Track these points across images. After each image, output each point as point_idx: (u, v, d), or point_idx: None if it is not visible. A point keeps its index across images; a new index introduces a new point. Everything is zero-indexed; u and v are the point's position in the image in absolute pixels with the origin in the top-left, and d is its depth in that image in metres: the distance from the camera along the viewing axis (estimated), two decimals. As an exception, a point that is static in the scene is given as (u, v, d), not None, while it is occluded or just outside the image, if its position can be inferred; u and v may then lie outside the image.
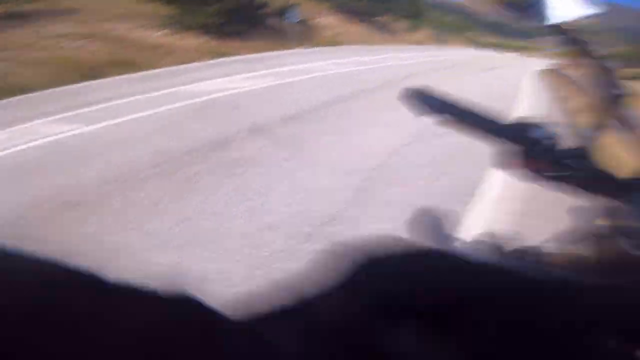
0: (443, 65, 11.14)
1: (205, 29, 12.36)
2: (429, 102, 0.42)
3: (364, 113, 4.03)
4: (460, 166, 2.51)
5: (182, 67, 8.05)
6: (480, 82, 7.52)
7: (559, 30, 0.42)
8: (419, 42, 30.28)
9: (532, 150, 0.36)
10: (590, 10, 0.41)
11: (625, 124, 0.39)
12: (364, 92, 5.40)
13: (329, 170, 2.56)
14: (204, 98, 4.61)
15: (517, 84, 8.30)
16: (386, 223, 1.80)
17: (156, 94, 5.01)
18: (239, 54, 10.94)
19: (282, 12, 16.63)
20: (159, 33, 11.84)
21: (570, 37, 0.43)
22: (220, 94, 4.86)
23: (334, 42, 17.05)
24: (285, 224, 1.89)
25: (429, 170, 2.54)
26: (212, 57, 9.83)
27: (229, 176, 2.47)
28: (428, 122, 0.45)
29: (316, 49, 14.15)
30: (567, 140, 0.37)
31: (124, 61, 8.19)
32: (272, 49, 12.29)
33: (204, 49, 10.96)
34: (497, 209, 2.06)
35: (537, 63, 24.53)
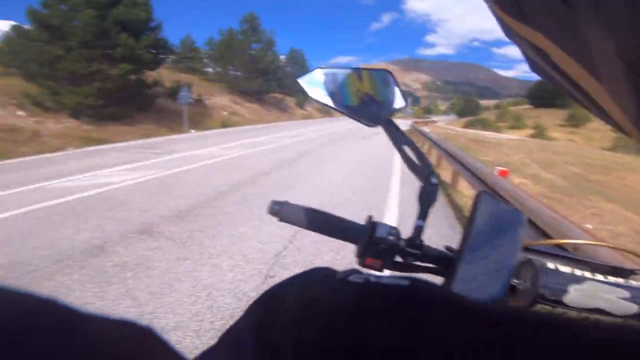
0: (331, 137, 12.46)
1: (79, 111, 11.13)
2: (290, 213, 0.48)
3: (258, 200, 4.12)
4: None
5: (48, 156, 6.98)
6: (362, 148, 8.81)
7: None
8: (307, 116, 33.85)
9: (377, 248, 0.42)
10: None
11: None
12: (260, 175, 5.60)
13: (232, 263, 2.49)
14: (76, 195, 4.00)
15: (388, 144, 10.02)
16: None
17: (13, 191, 4.17)
18: (122, 140, 10.11)
19: (173, 93, 16.36)
20: (19, 113, 10.18)
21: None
22: (98, 190, 4.29)
23: (228, 123, 17.46)
24: (191, 322, 1.83)
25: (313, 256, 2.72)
26: (86, 144, 8.82)
27: (113, 283, 2.15)
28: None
29: (209, 131, 14.19)
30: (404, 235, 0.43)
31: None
32: (162, 134, 11.83)
33: (76, 134, 9.78)
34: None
35: (402, 123, 29.74)
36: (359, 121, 0.49)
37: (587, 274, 0.38)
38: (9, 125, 9.00)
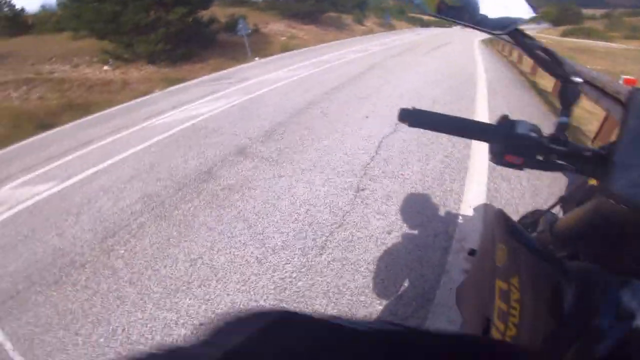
0: (396, 51, 11.38)
1: (154, 57, 11.90)
2: (418, 118, 0.49)
3: (336, 114, 4.11)
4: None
5: (140, 100, 7.75)
6: (431, 60, 7.88)
7: None
8: (368, 32, 30.81)
9: (517, 145, 0.42)
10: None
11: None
12: (332, 90, 5.52)
13: (323, 177, 2.63)
14: (176, 129, 4.48)
15: (471, 55, 8.81)
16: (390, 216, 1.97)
17: (125, 133, 4.85)
18: (196, 76, 10.67)
19: (231, 27, 16.41)
20: (105, 68, 11.32)
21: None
22: (192, 121, 4.73)
23: (288, 47, 16.98)
24: (296, 240, 1.99)
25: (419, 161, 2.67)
26: (169, 85, 9.51)
27: (225, 206, 2.45)
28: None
29: (273, 57, 14.03)
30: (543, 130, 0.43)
31: (77, 104, 7.80)
32: (229, 66, 12.07)
33: (158, 78, 10.55)
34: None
35: (480, 34, 25.65)
36: (485, 31, 0.47)
37: None
38: (102, 79, 10.12)
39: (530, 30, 44.77)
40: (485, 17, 0.48)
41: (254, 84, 7.18)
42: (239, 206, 2.41)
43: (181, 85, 9.21)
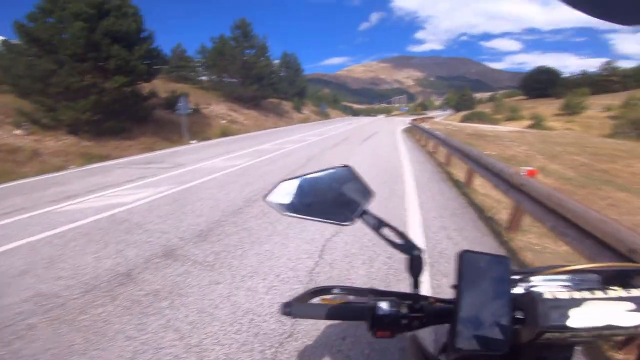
0: (333, 141, 12.35)
1: (77, 127, 10.95)
2: (302, 311, 0.54)
3: (277, 214, 4.03)
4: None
5: (50, 176, 6.83)
6: (368, 149, 8.73)
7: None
8: (306, 119, 33.67)
9: (383, 323, 0.47)
10: None
11: None
12: (272, 185, 5.49)
13: (266, 284, 2.41)
14: (90, 219, 3.88)
15: (397, 146, 9.95)
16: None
17: (23, 216, 4.05)
18: (123, 155, 9.99)
19: (171, 104, 16.25)
20: (17, 132, 10.01)
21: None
22: (111, 212, 4.17)
23: (227, 131, 17.34)
24: (241, 352, 1.71)
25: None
26: (89, 161, 8.68)
27: (150, 313, 2.07)
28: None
29: (211, 141, 14.07)
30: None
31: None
32: (163, 147, 11.70)
33: (77, 152, 9.63)
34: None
35: (400, 121, 29.80)
36: (333, 223, 0.54)
37: (587, 294, 0.39)
38: (8, 145, 8.86)
39: (439, 116, 53.68)
40: (333, 212, 0.55)
41: (189, 171, 6.81)
42: (168, 314, 2.07)
43: (104, 164, 8.47)
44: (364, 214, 0.54)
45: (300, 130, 19.11)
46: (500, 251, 2.98)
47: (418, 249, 0.50)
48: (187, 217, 3.95)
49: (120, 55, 12.03)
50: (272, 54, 31.81)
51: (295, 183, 0.56)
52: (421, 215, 3.86)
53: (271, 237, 3.27)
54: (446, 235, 3.29)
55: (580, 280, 0.48)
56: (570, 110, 37.03)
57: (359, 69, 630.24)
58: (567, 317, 0.38)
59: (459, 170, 6.22)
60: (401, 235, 0.51)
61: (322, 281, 2.43)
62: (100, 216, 4.03)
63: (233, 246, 3.09)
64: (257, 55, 27.32)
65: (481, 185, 5.31)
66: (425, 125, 16.14)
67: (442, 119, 42.38)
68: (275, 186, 0.55)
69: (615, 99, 36.03)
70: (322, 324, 1.91)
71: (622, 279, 0.48)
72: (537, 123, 31.97)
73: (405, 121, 27.87)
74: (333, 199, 0.54)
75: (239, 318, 2.02)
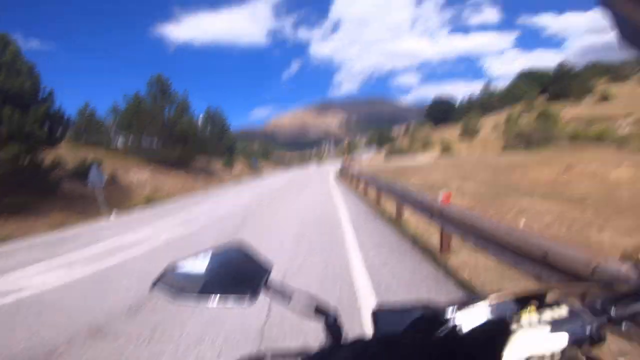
0: (268, 198, 12.17)
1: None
2: None
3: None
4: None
5: None
6: (304, 200, 8.78)
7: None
8: (238, 177, 33.01)
9: None
10: None
11: None
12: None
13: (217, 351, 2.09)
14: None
15: (330, 192, 10.19)
16: None
17: None
18: (28, 234, 8.49)
19: (80, 173, 14.38)
20: None
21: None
22: (16, 295, 3.46)
23: (153, 198, 16.03)
24: None
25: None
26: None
27: None
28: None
29: (134, 212, 12.74)
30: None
31: None
32: (77, 223, 10.26)
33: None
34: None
35: (331, 166, 30.98)
36: (233, 306, 0.50)
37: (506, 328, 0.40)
38: None
39: (365, 156, 57.27)
40: (231, 291, 0.51)
41: (109, 247, 6.05)
42: None
43: (5, 246, 7.05)
44: (266, 287, 0.50)
45: (233, 189, 18.60)
46: (438, 275, 3.10)
47: (333, 313, 0.47)
48: (115, 292, 3.43)
49: (14, 119, 10.45)
50: (195, 111, 30.82)
51: (186, 264, 0.51)
52: (362, 255, 3.88)
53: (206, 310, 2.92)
54: (389, 271, 3.33)
55: (499, 308, 0.47)
56: (469, 133, 43.08)
57: (286, 118, 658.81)
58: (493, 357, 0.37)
59: (390, 206, 6.56)
60: (313, 299, 0.48)
61: (274, 337, 2.21)
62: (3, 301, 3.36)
63: (171, 316, 2.72)
64: (178, 113, 26.06)
65: (411, 216, 5.64)
66: (354, 167, 17.13)
67: (368, 159, 45.73)
68: (163, 271, 0.50)
69: (499, 118, 42.94)
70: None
71: (535, 298, 0.48)
72: (446, 149, 36.40)
73: (335, 165, 29.26)
74: (230, 277, 0.50)
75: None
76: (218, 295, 0.49)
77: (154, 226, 8.08)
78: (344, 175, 15.86)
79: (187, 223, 8.17)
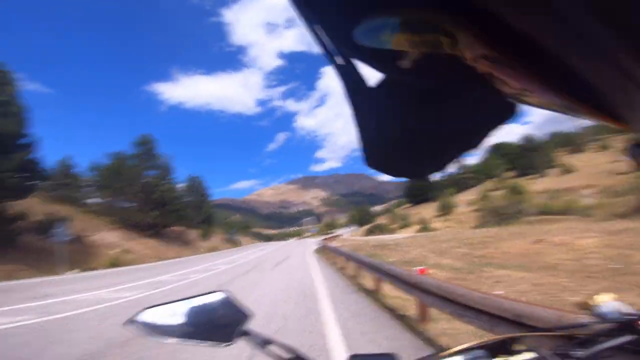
0: (242, 269, 11.68)
1: None
2: None
3: (163, 356, 3.29)
4: None
5: None
6: (281, 274, 8.40)
7: None
8: (213, 248, 31.56)
9: None
10: None
11: None
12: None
13: None
14: None
15: (308, 268, 9.86)
16: None
17: None
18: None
19: (45, 228, 13.44)
20: None
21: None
22: None
23: (118, 262, 14.99)
24: None
25: None
26: None
27: None
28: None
29: (97, 272, 11.81)
30: None
31: None
32: (29, 276, 9.35)
33: None
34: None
35: (311, 242, 30.41)
36: (210, 345, 0.51)
37: None
38: None
39: (345, 233, 56.86)
40: (209, 335, 0.52)
41: (58, 303, 5.66)
42: None
43: None
44: (245, 334, 0.51)
45: (208, 259, 17.69)
46: (418, 342, 2.97)
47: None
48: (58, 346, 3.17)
49: None
50: (176, 178, 30.32)
51: (165, 308, 0.52)
52: (339, 327, 3.69)
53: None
54: (368, 339, 3.22)
55: (471, 358, 0.49)
56: (445, 210, 44.57)
57: (268, 192, 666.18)
58: None
59: (369, 280, 6.44)
60: (291, 350, 0.49)
61: None
62: None
63: None
64: (160, 177, 25.42)
65: (390, 289, 5.52)
66: (334, 244, 16.99)
67: (348, 236, 45.60)
68: (140, 312, 0.50)
69: (474, 194, 45.00)
70: None
71: (505, 348, 0.50)
72: (424, 227, 37.13)
73: (316, 242, 28.84)
74: (208, 322, 0.52)
75: None
76: (195, 335, 0.50)
77: (117, 287, 7.44)
78: (324, 251, 15.58)
79: (154, 285, 7.64)
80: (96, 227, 19.38)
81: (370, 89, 0.31)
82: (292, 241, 60.26)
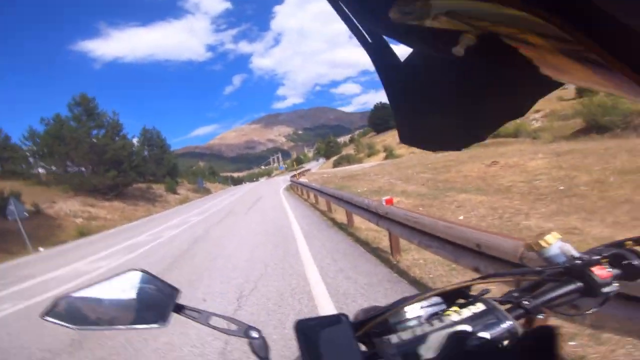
0: (221, 213, 11.69)
1: None
2: None
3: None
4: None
5: None
6: (255, 216, 8.55)
7: None
8: (184, 200, 31.08)
9: None
10: None
11: None
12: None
13: None
14: None
15: (279, 204, 10.07)
16: None
17: None
18: None
19: None
20: None
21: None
22: None
23: (86, 230, 14.43)
24: None
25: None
26: None
27: None
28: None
29: (66, 245, 11.39)
30: None
31: None
32: (1, 260, 8.89)
33: None
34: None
35: (281, 180, 30.74)
36: (145, 328, 0.48)
37: (427, 327, 0.41)
38: None
39: (314, 167, 58.17)
40: (139, 316, 0.48)
41: (38, 284, 5.53)
42: None
43: None
44: (179, 309, 0.48)
45: (179, 212, 17.46)
46: (392, 275, 3.21)
47: (255, 329, 0.46)
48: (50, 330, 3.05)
49: None
50: (129, 133, 28.39)
51: (80, 296, 0.46)
52: (316, 265, 3.88)
53: (156, 333, 2.68)
54: (344, 276, 3.39)
55: (428, 305, 0.48)
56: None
57: (231, 134, 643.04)
58: (419, 356, 0.38)
59: (341, 214, 6.69)
60: (232, 320, 0.47)
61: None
62: None
63: (122, 347, 2.53)
64: (109, 136, 23.87)
65: (361, 222, 5.80)
66: (303, 179, 17.20)
67: (317, 169, 46.38)
68: (54, 303, 0.44)
69: None
70: None
71: (463, 294, 0.50)
72: (390, 154, 38.46)
73: (285, 179, 29.13)
74: (136, 303, 0.47)
75: None
76: (124, 320, 0.47)
77: (92, 257, 7.27)
78: (294, 188, 15.84)
79: (129, 249, 7.57)
80: (52, 197, 18.10)
81: (406, 65, 0.32)
82: (262, 181, 60.48)
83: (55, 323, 0.45)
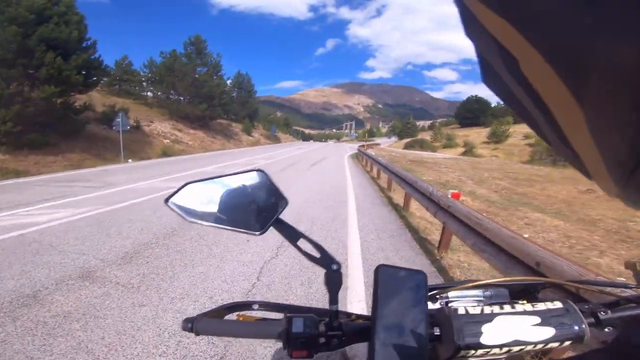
0: (285, 163, 12.29)
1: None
2: (206, 326, 0.48)
3: (216, 236, 3.84)
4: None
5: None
6: (315, 174, 8.87)
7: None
8: (255, 143, 33.26)
9: (298, 342, 0.44)
10: None
11: None
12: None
13: (198, 306, 2.24)
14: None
15: (342, 169, 10.22)
16: None
17: None
18: (44, 172, 8.95)
19: (106, 118, 15.11)
20: None
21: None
22: (20, 231, 3.69)
23: (169, 151, 16.47)
24: None
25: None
26: (1, 177, 7.63)
27: (58, 335, 1.88)
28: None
29: (149, 160, 13.22)
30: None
31: None
32: (93, 165, 10.76)
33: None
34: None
35: (349, 147, 30.66)
36: (243, 232, 0.50)
37: (497, 308, 0.41)
38: None
39: (384, 143, 56.09)
40: (243, 220, 0.50)
41: (119, 192, 6.34)
42: (80, 336, 1.88)
43: (19, 180, 7.47)
44: (277, 223, 0.50)
45: (249, 153, 18.83)
46: (431, 270, 3.15)
47: (336, 262, 0.48)
48: (111, 239, 3.62)
49: (55, 63, 11.07)
50: (225, 74, 31.19)
51: (203, 186, 0.51)
52: (360, 237, 3.95)
53: (207, 259, 3.10)
54: (384, 256, 3.40)
55: (490, 294, 0.49)
56: (496, 138, 41.66)
57: (312, 92, 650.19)
58: (480, 333, 0.38)
59: (399, 195, 6.56)
60: (318, 248, 0.48)
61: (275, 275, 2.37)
62: (6, 236, 3.56)
63: (163, 268, 2.88)
64: (209, 74, 26.70)
65: (417, 209, 5.64)
66: (372, 152, 16.95)
67: (387, 146, 45.01)
68: (180, 188, 0.50)
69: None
70: (259, 344, 1.84)
71: (529, 293, 0.50)
72: (469, 150, 35.44)
73: (353, 147, 29.03)
74: (244, 205, 0.50)
75: (165, 340, 1.87)
76: (229, 220, 0.49)
77: (167, 176, 8.41)
78: (360, 157, 15.78)
79: (200, 176, 8.51)
80: (151, 117, 20.88)
81: None
82: (330, 143, 61.06)
83: (172, 210, 0.49)
